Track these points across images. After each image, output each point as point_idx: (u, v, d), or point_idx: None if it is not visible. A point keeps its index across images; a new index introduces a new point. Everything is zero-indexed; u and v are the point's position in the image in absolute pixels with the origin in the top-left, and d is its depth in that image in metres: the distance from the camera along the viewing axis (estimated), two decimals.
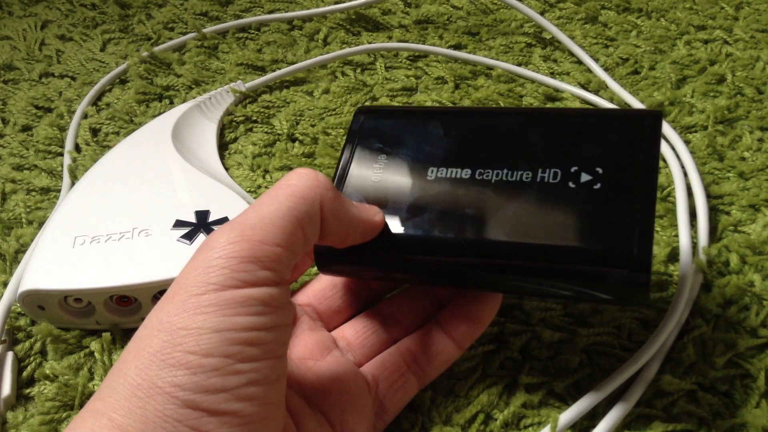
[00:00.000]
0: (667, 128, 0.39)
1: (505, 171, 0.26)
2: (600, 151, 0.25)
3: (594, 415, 0.27)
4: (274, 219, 0.20)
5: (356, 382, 0.25)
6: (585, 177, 0.25)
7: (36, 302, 0.30)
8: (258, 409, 0.19)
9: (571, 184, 0.25)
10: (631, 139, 0.26)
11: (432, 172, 0.26)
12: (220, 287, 0.19)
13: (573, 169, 0.25)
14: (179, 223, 0.32)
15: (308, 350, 0.26)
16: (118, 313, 0.31)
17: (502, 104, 0.43)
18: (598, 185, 0.24)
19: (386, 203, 0.26)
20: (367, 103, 0.43)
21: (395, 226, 0.25)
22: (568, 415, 0.26)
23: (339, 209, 0.23)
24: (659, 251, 0.33)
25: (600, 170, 0.25)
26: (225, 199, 0.33)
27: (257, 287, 0.20)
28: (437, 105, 0.42)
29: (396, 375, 0.26)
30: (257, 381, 0.19)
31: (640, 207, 0.24)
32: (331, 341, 0.27)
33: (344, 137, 0.40)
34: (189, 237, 0.31)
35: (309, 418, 0.23)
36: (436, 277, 0.26)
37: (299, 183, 0.22)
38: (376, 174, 0.27)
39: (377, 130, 0.29)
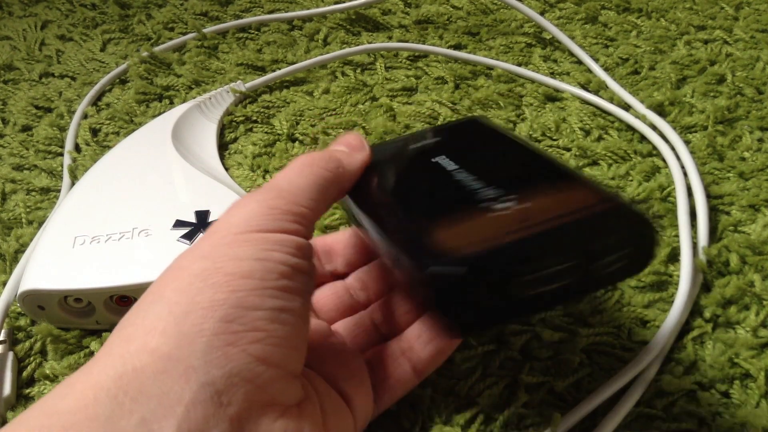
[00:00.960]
0: (667, 128, 0.39)
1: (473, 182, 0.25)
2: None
3: (594, 416, 0.27)
4: (303, 186, 0.23)
5: (355, 358, 0.26)
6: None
7: (36, 302, 0.30)
8: (289, 334, 0.20)
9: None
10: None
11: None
12: (261, 229, 0.21)
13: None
14: (179, 223, 0.32)
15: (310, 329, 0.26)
16: (119, 313, 0.31)
17: (502, 104, 0.43)
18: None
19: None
20: (361, 106, 0.43)
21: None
22: (569, 416, 0.27)
23: (344, 172, 0.25)
24: (659, 251, 0.33)
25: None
26: (225, 199, 0.33)
27: (292, 235, 0.21)
28: None
29: (390, 361, 0.26)
30: (290, 309, 0.20)
31: None
32: (328, 327, 0.27)
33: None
34: (189, 237, 0.31)
35: (321, 384, 0.24)
36: None
37: (319, 162, 0.24)
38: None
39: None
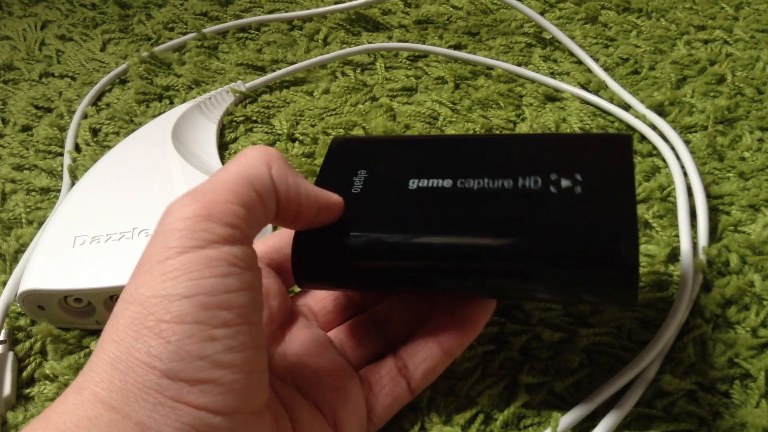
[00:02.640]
0: (667, 128, 0.39)
1: (485, 180, 0.26)
2: (578, 162, 0.26)
3: (594, 416, 0.27)
4: (224, 182, 0.20)
5: (350, 381, 0.25)
6: (565, 182, 0.25)
7: (36, 302, 0.30)
8: (238, 377, 0.19)
9: (552, 189, 0.25)
10: (607, 153, 0.26)
11: (413, 183, 0.26)
12: (181, 249, 0.19)
13: (553, 176, 0.25)
14: None
15: (304, 347, 0.26)
16: None
17: (502, 104, 0.43)
18: (579, 190, 0.24)
19: (367, 213, 0.26)
20: (361, 106, 0.43)
21: (376, 235, 0.25)
22: (569, 416, 0.27)
23: (290, 177, 0.22)
24: (659, 251, 0.33)
25: (579, 177, 0.25)
26: None
27: (219, 246, 0.19)
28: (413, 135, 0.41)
29: (387, 379, 0.26)
30: (234, 347, 0.19)
31: (623, 208, 0.24)
32: (327, 339, 0.27)
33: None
34: None
35: (303, 408, 0.23)
36: (422, 284, 0.25)
37: (248, 153, 0.22)
38: (356, 187, 0.27)
39: (355, 152, 0.29)
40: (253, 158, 0.22)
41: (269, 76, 0.45)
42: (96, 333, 0.31)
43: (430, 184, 0.26)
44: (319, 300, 0.28)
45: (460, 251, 0.24)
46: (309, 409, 0.24)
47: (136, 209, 0.33)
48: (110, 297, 0.30)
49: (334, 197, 0.24)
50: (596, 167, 0.25)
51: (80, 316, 0.31)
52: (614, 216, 0.23)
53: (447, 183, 0.26)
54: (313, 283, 0.26)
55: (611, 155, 0.26)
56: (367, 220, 0.25)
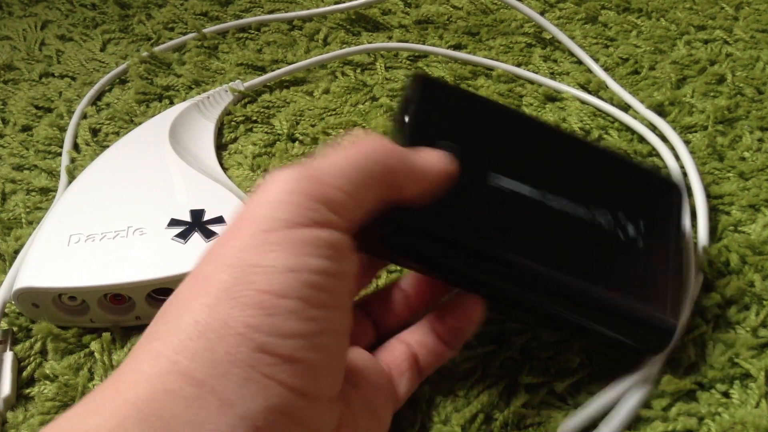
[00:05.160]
0: (667, 128, 0.39)
1: (565, 201, 0.26)
2: (639, 205, 0.27)
3: (594, 416, 0.27)
4: (344, 169, 0.20)
5: (380, 369, 0.25)
6: (631, 230, 0.26)
7: (30, 300, 0.30)
8: (328, 361, 0.18)
9: (620, 234, 0.26)
10: (661, 199, 0.28)
11: (496, 179, 0.26)
12: (290, 224, 0.18)
13: (621, 217, 0.27)
14: (174, 222, 0.32)
15: None
16: (113, 312, 0.31)
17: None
18: (641, 243, 0.26)
19: (444, 199, 0.24)
20: (361, 106, 0.43)
21: (447, 229, 0.24)
22: (569, 416, 0.26)
23: (401, 164, 0.21)
24: None
25: (642, 227, 0.27)
26: (221, 199, 0.33)
27: (326, 228, 0.19)
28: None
29: (406, 365, 0.25)
30: (330, 330, 0.18)
31: (676, 273, 0.26)
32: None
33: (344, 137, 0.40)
34: (183, 236, 0.31)
35: (354, 398, 0.22)
36: (474, 284, 0.26)
37: (366, 140, 0.21)
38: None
39: (442, 107, 0.27)
40: (372, 148, 0.21)
41: (268, 75, 0.45)
42: (96, 331, 0.31)
43: (512, 188, 0.26)
44: None
45: (522, 273, 0.25)
46: (361, 405, 0.23)
47: (132, 208, 0.33)
48: (104, 295, 0.30)
49: (442, 165, 0.23)
50: (655, 216, 0.27)
51: (75, 314, 0.31)
52: (667, 280, 0.26)
53: (530, 192, 0.26)
54: (371, 249, 0.25)
55: (665, 203, 0.28)
56: (443, 209, 0.24)
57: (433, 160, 0.23)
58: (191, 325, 0.17)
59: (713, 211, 0.35)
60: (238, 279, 0.17)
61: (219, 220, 0.32)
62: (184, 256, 0.30)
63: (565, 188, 0.26)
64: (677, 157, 0.38)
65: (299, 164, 0.20)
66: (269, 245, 0.18)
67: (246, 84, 0.44)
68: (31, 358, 0.30)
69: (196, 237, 0.31)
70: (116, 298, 0.30)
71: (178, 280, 0.29)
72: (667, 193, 0.29)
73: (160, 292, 0.30)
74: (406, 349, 0.26)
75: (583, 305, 0.25)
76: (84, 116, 0.44)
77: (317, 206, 0.19)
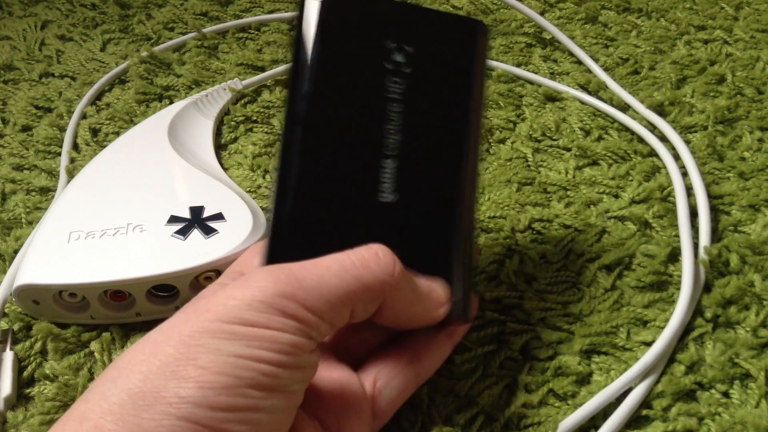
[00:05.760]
0: (667, 128, 0.39)
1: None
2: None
3: (594, 416, 0.27)
4: (329, 293, 0.20)
5: (352, 389, 0.25)
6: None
7: (31, 297, 0.30)
8: None
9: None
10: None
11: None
12: (252, 324, 0.19)
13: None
14: (173, 219, 0.32)
15: None
16: (113, 308, 0.31)
17: (502, 104, 0.42)
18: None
19: None
20: None
21: None
22: (570, 419, 0.26)
23: (401, 304, 0.22)
24: (659, 251, 0.33)
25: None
26: (220, 196, 0.33)
27: (289, 335, 0.19)
28: None
29: (393, 373, 0.25)
30: (265, 408, 0.19)
31: None
32: (324, 345, 0.26)
33: None
34: (183, 232, 0.31)
35: (306, 425, 0.23)
36: None
37: (371, 272, 0.21)
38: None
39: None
40: (376, 284, 0.21)
41: (266, 74, 0.45)
42: (94, 328, 0.31)
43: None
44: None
45: None
46: (312, 424, 0.23)
47: (132, 205, 0.33)
48: (104, 292, 0.30)
49: (440, 312, 0.24)
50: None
51: (75, 311, 0.31)
52: None
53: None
54: None
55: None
56: None
57: (440, 302, 0.23)
58: (124, 391, 0.18)
59: (713, 211, 0.35)
60: (182, 354, 0.18)
61: (218, 216, 0.32)
62: (183, 253, 0.30)
63: None
64: (677, 157, 0.38)
65: (284, 269, 0.20)
66: (223, 334, 0.19)
67: (244, 82, 0.45)
68: (32, 358, 0.30)
69: (196, 233, 0.31)
70: (116, 294, 0.30)
71: (177, 276, 0.30)
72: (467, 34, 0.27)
73: (160, 288, 0.30)
74: (397, 353, 0.25)
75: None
76: (84, 116, 0.44)
77: (285, 321, 0.19)
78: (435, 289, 0.24)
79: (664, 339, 0.28)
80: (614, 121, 0.41)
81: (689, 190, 0.36)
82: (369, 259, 0.21)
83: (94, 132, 0.43)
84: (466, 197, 0.25)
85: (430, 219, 0.24)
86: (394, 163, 0.24)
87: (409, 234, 0.24)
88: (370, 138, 0.24)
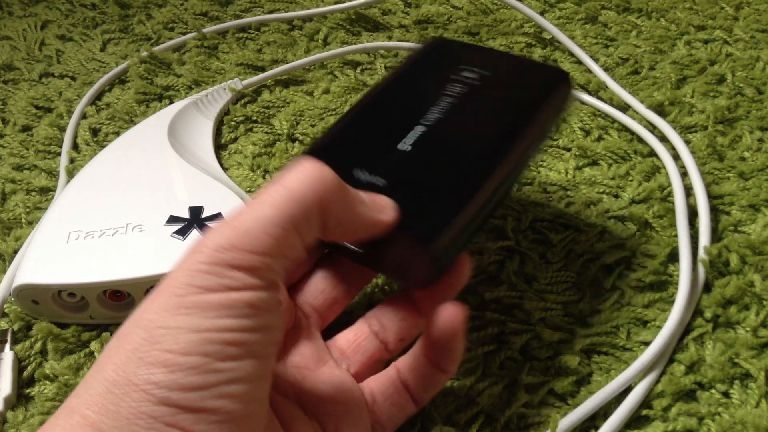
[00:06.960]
0: (667, 128, 0.39)
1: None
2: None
3: (594, 416, 0.27)
4: (267, 226, 0.20)
5: (353, 395, 0.25)
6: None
7: (30, 296, 0.30)
8: (238, 407, 0.19)
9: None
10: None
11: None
12: (203, 290, 0.19)
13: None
14: (173, 219, 0.32)
15: (305, 359, 0.26)
16: (112, 308, 0.31)
17: None
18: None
19: None
20: None
21: None
22: (570, 418, 0.26)
23: (342, 209, 0.22)
24: (659, 251, 0.33)
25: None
26: (219, 196, 0.33)
27: (242, 291, 0.19)
28: None
29: (392, 390, 0.25)
30: (238, 379, 0.19)
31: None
32: (327, 352, 0.26)
33: None
34: (182, 233, 0.31)
35: (305, 425, 0.23)
36: None
37: (301, 184, 0.21)
38: None
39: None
40: (307, 194, 0.20)
41: (265, 74, 0.45)
42: (94, 328, 0.31)
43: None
44: (318, 294, 0.27)
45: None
46: (311, 425, 0.23)
47: (131, 205, 0.33)
48: (103, 292, 0.30)
49: (384, 216, 0.23)
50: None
51: (74, 311, 0.31)
52: None
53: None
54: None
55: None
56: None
57: (382, 206, 0.23)
58: (101, 382, 0.18)
59: (713, 211, 0.35)
60: (146, 340, 0.19)
61: (217, 216, 0.32)
62: (182, 253, 0.30)
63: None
64: (677, 157, 0.38)
65: (225, 227, 0.20)
66: (179, 309, 0.19)
67: (244, 82, 0.45)
68: (32, 358, 0.30)
69: (195, 234, 0.31)
70: (116, 294, 0.30)
71: None
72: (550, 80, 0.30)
73: None
74: (395, 374, 0.26)
75: None
76: (84, 116, 0.44)
77: (237, 275, 0.19)
78: (376, 196, 0.24)
79: (661, 338, 0.28)
80: (614, 121, 0.41)
81: (689, 190, 0.36)
82: (297, 174, 0.21)
83: (94, 132, 0.43)
84: (480, 183, 0.26)
85: (437, 177, 0.26)
86: (423, 129, 0.27)
87: (414, 185, 0.25)
88: (414, 112, 0.28)
